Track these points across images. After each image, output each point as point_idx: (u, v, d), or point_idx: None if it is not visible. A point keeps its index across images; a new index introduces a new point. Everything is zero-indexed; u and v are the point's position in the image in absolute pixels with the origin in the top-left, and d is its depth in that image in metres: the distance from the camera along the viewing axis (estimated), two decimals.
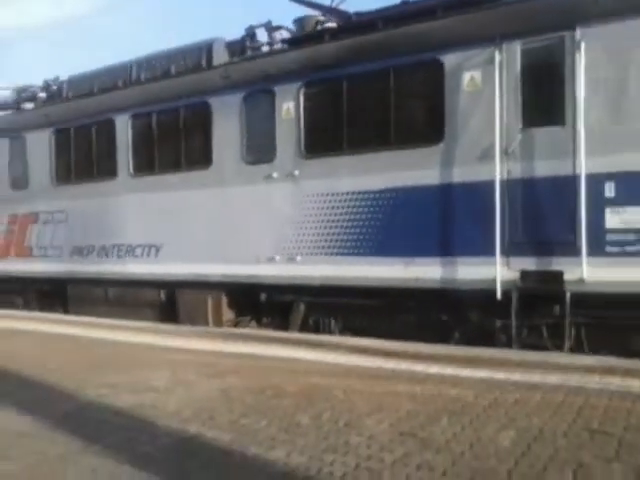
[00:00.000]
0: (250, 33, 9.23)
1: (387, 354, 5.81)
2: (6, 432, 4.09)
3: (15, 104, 12.23)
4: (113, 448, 3.70)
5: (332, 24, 8.37)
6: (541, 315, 6.26)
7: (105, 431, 4.03)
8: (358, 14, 8.14)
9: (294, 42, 8.58)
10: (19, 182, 11.34)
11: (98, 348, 6.88)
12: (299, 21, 8.86)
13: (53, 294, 10.98)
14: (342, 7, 8.42)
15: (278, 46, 8.96)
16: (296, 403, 4.42)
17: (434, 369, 5.21)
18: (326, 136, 7.71)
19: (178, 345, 6.78)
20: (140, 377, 5.42)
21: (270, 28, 9.15)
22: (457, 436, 3.64)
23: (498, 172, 6.36)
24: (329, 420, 4.03)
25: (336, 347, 6.21)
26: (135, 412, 4.39)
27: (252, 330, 7.56)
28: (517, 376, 4.94)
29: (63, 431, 4.05)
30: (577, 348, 6.12)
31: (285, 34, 9.12)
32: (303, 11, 8.64)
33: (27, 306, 11.47)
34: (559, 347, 6.10)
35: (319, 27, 8.54)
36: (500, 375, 4.98)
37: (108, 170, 9.85)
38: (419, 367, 5.28)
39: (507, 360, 5.51)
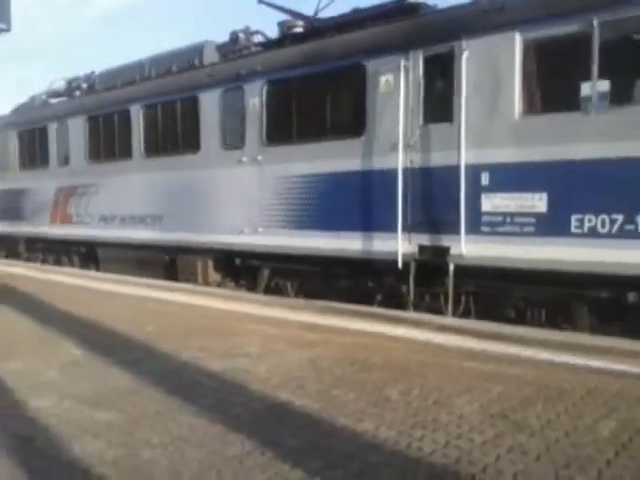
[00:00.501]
0: (234, 37, 10.61)
1: (479, 335, 5.68)
2: (110, 388, 4.34)
3: (65, 93, 14.30)
4: (207, 408, 3.84)
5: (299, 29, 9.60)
6: (437, 284, 7.28)
7: (199, 392, 4.19)
8: (317, 20, 9.36)
9: (263, 46, 10.17)
10: (63, 160, 13.37)
11: (191, 313, 7.13)
12: (280, 24, 9.96)
13: (88, 255, 12.88)
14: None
15: (253, 49, 10.37)
16: (385, 378, 4.42)
17: (528, 352, 5.05)
18: (281, 128, 9.00)
19: (267, 314, 6.92)
20: (232, 343, 5.58)
21: (247, 33, 10.56)
22: (552, 422, 3.52)
23: (401, 162, 7.40)
24: (418, 397, 4.00)
25: (422, 324, 6.14)
26: (228, 376, 4.53)
27: (339, 304, 7.58)
28: (619, 365, 4.69)
29: (161, 390, 4.24)
30: (466, 314, 7.13)
31: (260, 38, 10.48)
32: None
33: (71, 264, 13.41)
34: (454, 313, 7.15)
35: (291, 31, 9.68)
36: (597, 363, 4.75)
37: (126, 151, 11.58)
38: (512, 349, 5.14)
39: (607, 348, 5.26)
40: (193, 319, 6.80)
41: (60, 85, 14.59)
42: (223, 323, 6.54)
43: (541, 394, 4.03)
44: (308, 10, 9.75)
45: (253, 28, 10.56)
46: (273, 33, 10.16)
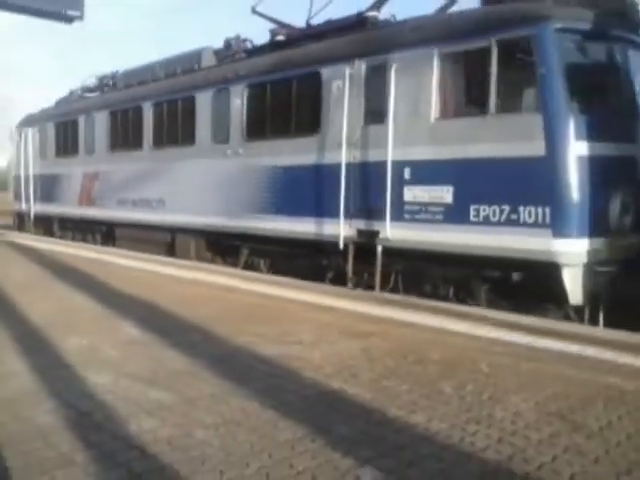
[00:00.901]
0: (227, 44, 12.18)
1: (537, 332, 5.54)
2: (166, 368, 4.43)
3: (96, 89, 16.21)
4: (259, 393, 3.87)
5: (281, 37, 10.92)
6: (372, 263, 8.30)
7: (252, 376, 4.23)
8: (296, 30, 10.64)
9: (247, 52, 11.67)
10: (89, 149, 15.08)
11: (244, 298, 7.21)
12: (270, 32, 11.31)
13: (107, 234, 14.53)
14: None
15: (242, 55, 11.79)
16: (439, 371, 4.36)
17: (590, 352, 4.89)
18: (257, 125, 10.30)
19: (321, 302, 6.92)
20: (286, 330, 5.61)
21: (239, 40, 12.08)
22: (612, 424, 3.40)
23: (344, 158, 8.49)
24: (473, 392, 3.93)
25: (482, 319, 6.02)
26: (281, 362, 4.56)
27: (394, 295, 7.54)
28: None
29: (215, 372, 4.30)
30: (395, 290, 8.17)
31: (249, 45, 11.93)
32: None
33: (94, 242, 14.89)
34: (390, 290, 8.17)
35: (275, 40, 11.04)
36: None
37: (138, 143, 13.12)
38: (573, 348, 4.98)
39: None
40: (247, 304, 6.88)
41: (92, 82, 16.41)
42: (276, 309, 6.59)
43: (601, 394, 3.89)
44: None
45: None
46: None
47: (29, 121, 18.07)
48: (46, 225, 17.21)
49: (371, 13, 9.64)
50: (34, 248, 12.74)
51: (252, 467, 2.87)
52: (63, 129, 16.23)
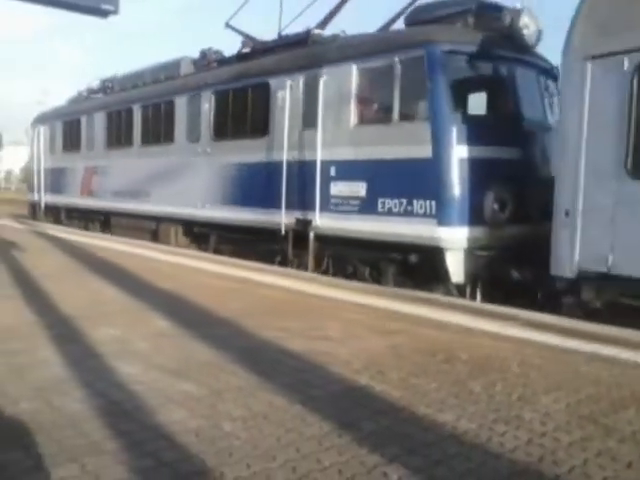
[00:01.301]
0: (202, 54, 13.87)
1: (569, 333, 5.45)
2: (194, 360, 4.46)
3: (99, 91, 17.63)
4: (287, 387, 3.88)
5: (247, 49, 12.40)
6: (320, 251, 9.68)
7: (279, 371, 4.24)
8: (258, 43, 12.11)
9: (218, 62, 13.20)
10: (90, 145, 16.69)
11: (272, 293, 7.22)
12: (241, 44, 12.64)
13: (104, 222, 16.22)
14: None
15: (214, 65, 13.35)
16: (468, 370, 4.32)
17: (625, 355, 4.79)
18: (221, 127, 11.78)
19: (349, 299, 6.91)
20: (313, 325, 5.61)
21: (211, 52, 13.72)
22: None
23: (285, 157, 9.88)
24: (502, 392, 3.88)
25: (513, 319, 5.95)
26: (308, 357, 4.56)
27: (423, 293, 7.48)
28: None
29: (242, 365, 4.32)
30: (327, 271, 9.56)
31: (221, 55, 13.49)
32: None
33: (94, 229, 16.56)
34: (323, 272, 9.52)
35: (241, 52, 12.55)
36: None
37: (128, 141, 14.74)
38: (607, 350, 4.89)
39: None
40: (273, 299, 6.89)
41: (96, 84, 17.81)
42: (303, 305, 6.59)
43: (634, 398, 3.81)
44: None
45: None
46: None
47: (41, 119, 19.75)
48: (55, 214, 18.99)
49: (316, 31, 10.83)
50: (65, 239, 12.96)
51: (279, 461, 2.87)
52: (69, 127, 17.91)
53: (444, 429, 3.28)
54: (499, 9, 8.71)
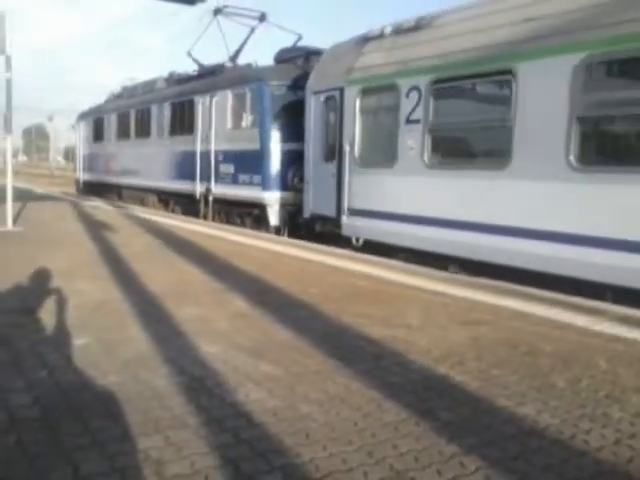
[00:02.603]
0: (170, 75, 19.04)
1: None
2: (274, 342, 4.54)
3: (119, 96, 22.71)
4: (364, 373, 3.88)
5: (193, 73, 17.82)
6: (215, 208, 14.83)
7: (358, 356, 4.24)
8: (202, 69, 17.19)
9: (177, 82, 18.18)
10: (108, 137, 22.35)
11: (353, 279, 7.22)
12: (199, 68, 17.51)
13: (118, 193, 21.54)
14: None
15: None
16: (552, 364, 4.17)
17: None
18: (174, 127, 16.86)
19: (431, 288, 6.81)
20: (393, 312, 5.58)
21: (174, 74, 18.81)
22: None
23: (198, 147, 15.12)
24: (588, 388, 3.73)
25: (602, 314, 5.69)
26: (387, 344, 4.54)
27: (509, 284, 7.26)
28: None
29: (321, 349, 4.35)
30: (221, 221, 14.47)
31: (179, 77, 18.36)
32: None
33: (112, 199, 21.01)
34: (219, 220, 14.63)
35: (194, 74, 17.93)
36: None
37: (128, 135, 20.27)
38: None
39: None
40: (353, 285, 6.89)
41: (118, 90, 23.31)
42: (383, 292, 6.56)
43: None
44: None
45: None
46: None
47: (82, 116, 25.97)
48: (88, 188, 24.89)
49: (228, 63, 16.10)
50: (149, 220, 13.44)
51: (355, 445, 2.88)
52: (97, 124, 23.66)
53: (524, 423, 3.19)
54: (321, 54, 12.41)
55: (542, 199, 7.28)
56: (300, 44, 15.08)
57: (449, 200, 8.49)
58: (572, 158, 6.88)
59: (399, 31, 9.51)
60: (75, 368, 3.81)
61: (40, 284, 6.38)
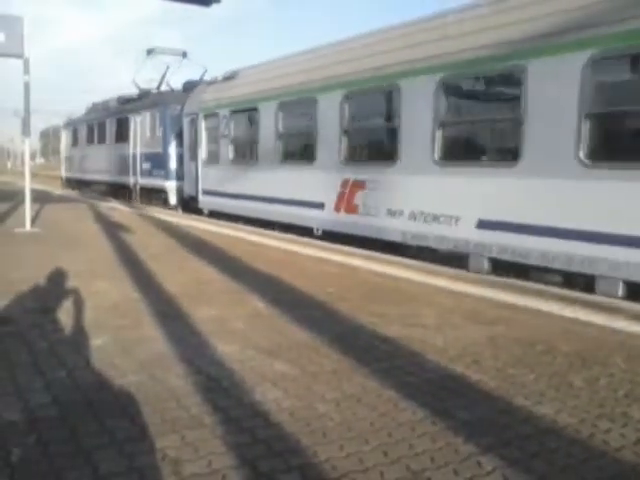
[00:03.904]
0: (119, 97, 23.39)
1: None
2: (290, 341, 4.54)
3: (90, 111, 27.78)
4: (380, 372, 3.87)
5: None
6: (141, 194, 20.64)
7: (374, 356, 4.23)
8: (144, 92, 22.06)
9: (119, 103, 23.19)
10: (81, 143, 27.59)
11: (368, 277, 7.21)
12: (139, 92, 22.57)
13: (90, 187, 26.55)
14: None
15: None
16: (569, 363, 4.14)
17: None
18: (117, 136, 22.32)
19: (446, 286, 6.79)
20: (408, 312, 5.56)
21: (123, 96, 23.12)
22: None
23: (131, 151, 20.80)
24: (606, 387, 3.70)
25: (619, 311, 5.64)
26: (403, 343, 4.53)
27: (525, 282, 7.22)
28: None
29: (337, 349, 4.36)
30: (146, 203, 19.65)
31: (124, 99, 23.06)
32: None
33: (86, 191, 26.16)
34: (143, 202, 20.09)
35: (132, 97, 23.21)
36: None
37: (92, 141, 25.62)
38: None
39: None
40: (368, 284, 6.88)
41: (89, 106, 28.26)
42: (398, 291, 6.54)
43: None
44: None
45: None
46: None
47: (65, 126, 31.56)
48: (69, 184, 30.01)
49: (154, 90, 21.37)
50: (164, 220, 13.52)
51: (371, 444, 2.88)
52: (74, 132, 28.79)
53: (542, 422, 3.17)
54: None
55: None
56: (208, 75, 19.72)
57: (246, 183, 13.65)
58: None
59: (223, 79, 15.00)
60: (93, 368, 3.85)
61: (58, 284, 6.44)
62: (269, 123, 12.38)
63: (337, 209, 10.62)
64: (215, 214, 15.16)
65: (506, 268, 7.82)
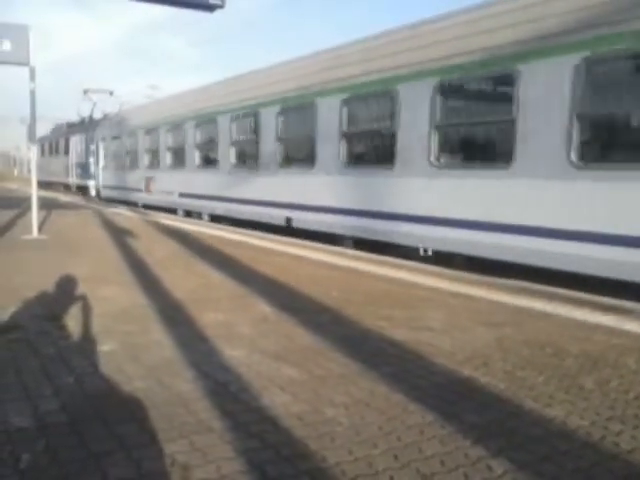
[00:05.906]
0: (67, 122, 35.88)
1: None
2: (297, 346, 4.53)
3: (71, 125, 34.94)
4: (388, 376, 3.86)
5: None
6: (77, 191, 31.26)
7: (382, 359, 4.22)
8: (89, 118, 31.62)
9: (68, 127, 35.09)
10: (46, 154, 38.28)
11: (373, 281, 7.20)
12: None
13: (52, 187, 36.26)
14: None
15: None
16: (579, 365, 4.12)
17: None
18: (65, 151, 33.49)
19: (452, 289, 6.77)
20: (415, 315, 5.55)
21: (69, 122, 35.46)
22: None
23: (70, 161, 33.04)
24: (617, 389, 3.67)
25: (630, 313, 5.61)
26: (411, 347, 4.52)
27: (531, 284, 7.19)
28: None
29: (344, 353, 4.34)
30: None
31: (75, 122, 34.00)
32: None
33: (59, 191, 34.09)
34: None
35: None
36: None
37: (52, 153, 36.93)
38: None
39: None
40: (374, 288, 6.87)
41: (60, 124, 37.47)
42: (404, 294, 6.53)
43: None
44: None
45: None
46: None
47: (40, 139, 34.89)
48: (41, 185, 37.62)
49: (87, 118, 30.58)
50: (169, 225, 13.55)
51: (380, 448, 2.87)
52: (42, 145, 36.66)
53: (552, 425, 3.15)
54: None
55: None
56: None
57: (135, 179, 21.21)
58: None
59: (112, 115, 24.86)
60: (101, 374, 3.85)
61: (65, 291, 6.46)
62: (133, 142, 21.26)
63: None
64: (112, 201, 23.52)
65: (505, 268, 7.89)
